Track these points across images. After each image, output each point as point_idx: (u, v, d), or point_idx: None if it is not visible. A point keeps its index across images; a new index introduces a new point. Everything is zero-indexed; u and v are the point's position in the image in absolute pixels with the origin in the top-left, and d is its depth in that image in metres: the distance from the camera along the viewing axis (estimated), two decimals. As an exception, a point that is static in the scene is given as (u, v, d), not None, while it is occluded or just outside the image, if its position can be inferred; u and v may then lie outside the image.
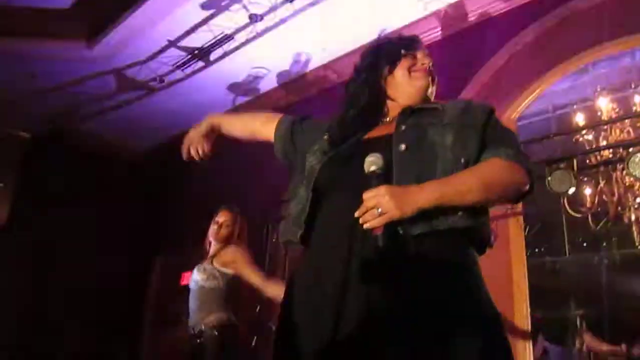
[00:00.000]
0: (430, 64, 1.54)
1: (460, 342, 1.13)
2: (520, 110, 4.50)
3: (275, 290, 2.80)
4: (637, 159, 3.46)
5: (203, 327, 2.94)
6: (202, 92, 5.33)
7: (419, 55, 1.55)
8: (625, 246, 4.95)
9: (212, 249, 3.26)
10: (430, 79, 1.54)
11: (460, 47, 4.15)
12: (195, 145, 1.78)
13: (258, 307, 3.95)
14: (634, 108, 4.10)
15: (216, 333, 2.90)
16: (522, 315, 4.63)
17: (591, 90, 4.46)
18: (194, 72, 5.04)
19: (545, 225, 5.24)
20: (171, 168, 6.51)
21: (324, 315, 1.22)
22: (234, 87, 5.23)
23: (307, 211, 1.40)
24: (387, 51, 1.56)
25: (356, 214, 1.23)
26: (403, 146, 1.33)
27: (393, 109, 1.52)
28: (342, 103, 1.58)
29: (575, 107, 4.46)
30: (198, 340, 2.92)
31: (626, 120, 4.07)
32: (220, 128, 1.83)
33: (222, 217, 3.27)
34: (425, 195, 1.23)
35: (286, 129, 1.67)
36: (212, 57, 4.80)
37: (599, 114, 4.18)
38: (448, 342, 1.13)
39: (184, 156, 1.75)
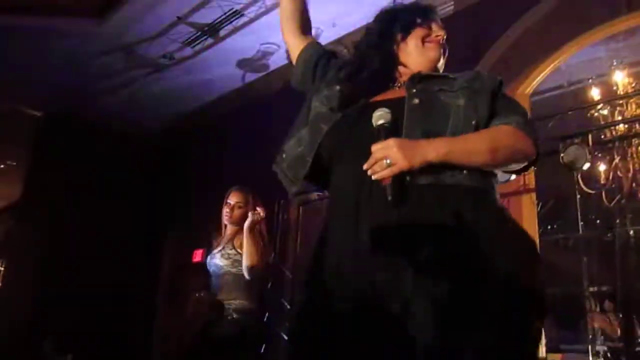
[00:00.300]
0: (444, 36, 1.53)
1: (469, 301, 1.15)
2: (534, 85, 4.43)
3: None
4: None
5: (234, 308, 2.95)
6: (212, 69, 5.31)
7: (434, 26, 1.53)
8: (639, 223, 4.88)
9: (229, 232, 3.23)
10: (442, 51, 1.53)
11: (473, 21, 4.08)
12: None
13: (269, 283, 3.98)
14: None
15: (236, 316, 2.91)
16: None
17: (607, 64, 4.38)
18: (204, 49, 5.01)
19: (559, 201, 5.19)
20: (181, 145, 6.54)
21: (343, 272, 1.25)
22: (243, 64, 5.20)
23: (307, 170, 1.42)
24: (402, 18, 1.55)
25: (365, 166, 1.24)
26: (417, 100, 1.35)
27: (403, 75, 1.51)
28: (352, 62, 1.57)
29: (590, 81, 4.39)
30: (232, 317, 2.93)
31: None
32: None
33: (233, 199, 3.22)
34: (433, 149, 1.24)
35: (311, 56, 1.65)
36: (222, 33, 4.77)
37: (614, 88, 4.11)
38: (461, 297, 1.15)
39: None
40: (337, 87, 1.49)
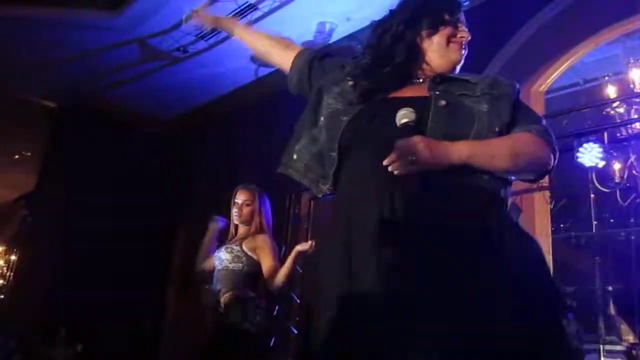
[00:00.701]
0: (468, 38, 1.51)
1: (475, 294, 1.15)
2: (549, 82, 4.40)
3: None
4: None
5: (223, 300, 2.97)
6: (225, 63, 5.31)
7: (460, 26, 1.50)
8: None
9: (241, 230, 3.23)
10: (463, 53, 1.51)
11: (487, 18, 4.05)
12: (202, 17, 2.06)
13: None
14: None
15: (235, 302, 2.93)
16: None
17: (623, 62, 4.34)
18: (217, 43, 5.01)
19: (572, 199, 5.16)
20: (194, 137, 6.56)
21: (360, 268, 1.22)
22: (256, 58, 5.19)
23: (336, 165, 1.39)
24: (431, 10, 1.50)
25: (386, 161, 1.24)
26: (444, 102, 1.34)
27: (424, 72, 1.49)
28: (369, 49, 1.53)
29: (606, 79, 4.34)
30: (220, 310, 2.96)
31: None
32: (234, 29, 1.94)
33: (240, 197, 3.22)
34: (457, 150, 1.25)
35: (305, 63, 1.64)
36: (236, 27, 4.76)
37: (631, 86, 4.07)
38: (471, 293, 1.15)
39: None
40: (350, 83, 1.46)
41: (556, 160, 1.39)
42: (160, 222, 6.03)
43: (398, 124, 1.27)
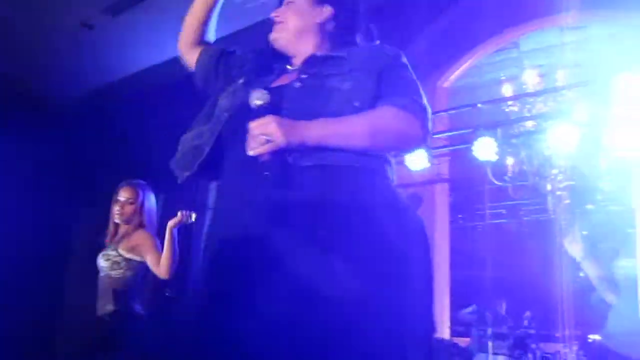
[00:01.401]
0: (277, 17, 1.48)
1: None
2: (452, 79, 4.65)
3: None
4: (556, 131, 3.68)
5: (102, 315, 2.87)
6: (136, 39, 5.15)
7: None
8: (540, 214, 5.23)
9: (121, 229, 3.07)
10: (280, 28, 1.48)
11: (398, 15, 4.20)
12: None
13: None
14: (557, 83, 4.30)
15: (110, 321, 2.84)
16: (443, 276, 4.89)
17: (519, 64, 4.64)
18: (126, 20, 4.85)
19: (469, 192, 5.47)
20: (101, 116, 6.31)
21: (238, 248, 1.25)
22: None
23: (203, 157, 1.41)
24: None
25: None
26: (298, 84, 1.35)
27: (297, 56, 1.48)
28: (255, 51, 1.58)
29: (503, 79, 4.63)
30: (99, 326, 2.86)
31: (549, 94, 4.27)
32: None
33: (123, 195, 3.02)
34: (310, 130, 1.25)
35: (210, 58, 1.62)
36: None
37: (524, 87, 4.37)
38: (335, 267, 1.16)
39: None
40: (241, 81, 1.49)
41: (427, 132, 1.31)
42: (60, 205, 5.78)
43: (252, 105, 1.29)
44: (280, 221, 1.22)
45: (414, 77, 1.39)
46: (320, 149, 1.25)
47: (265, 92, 1.29)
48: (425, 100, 1.33)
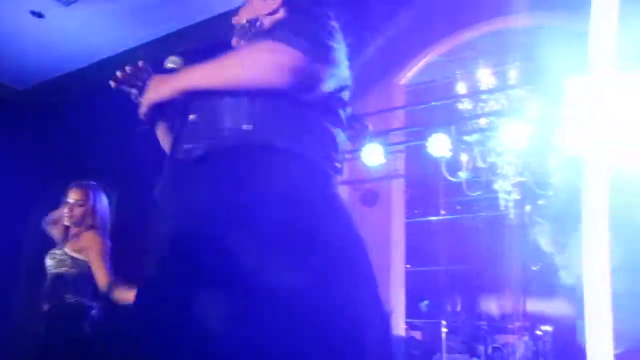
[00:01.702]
0: (236, 18, 1.43)
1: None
2: (408, 77, 4.71)
3: (118, 294, 2.74)
4: (507, 129, 3.77)
5: (49, 312, 2.82)
6: (89, 31, 5.03)
7: None
8: (494, 209, 5.35)
9: (71, 232, 3.01)
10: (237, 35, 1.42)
11: (355, 13, 4.22)
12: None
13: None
14: (509, 81, 4.41)
15: (57, 318, 2.79)
16: (398, 270, 4.95)
17: (474, 63, 4.73)
18: (78, 8, 4.72)
19: (425, 187, 5.56)
20: (51, 112, 6.14)
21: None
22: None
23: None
24: None
25: None
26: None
27: None
28: None
29: (458, 77, 4.71)
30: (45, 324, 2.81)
31: (502, 93, 4.37)
32: None
33: (72, 197, 2.95)
34: (179, 78, 1.24)
35: None
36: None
37: (478, 85, 4.46)
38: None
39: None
40: None
41: (307, 62, 1.16)
42: (8, 204, 5.60)
43: (165, 68, 1.32)
44: (198, 220, 1.16)
45: (320, 22, 1.27)
46: (211, 129, 1.18)
47: (179, 57, 1.30)
48: (326, 41, 1.21)
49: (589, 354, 1.62)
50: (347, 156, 4.31)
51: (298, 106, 1.20)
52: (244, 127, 1.17)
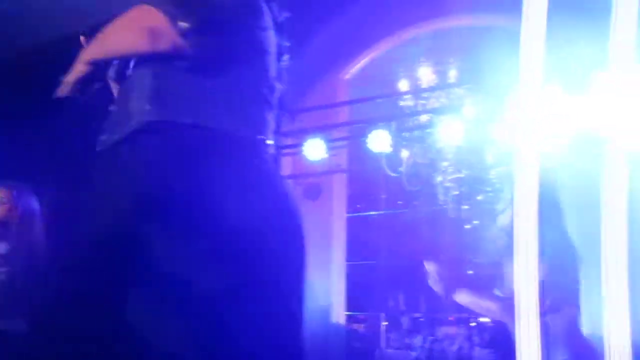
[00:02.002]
0: None
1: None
2: (353, 72, 4.74)
3: None
4: (446, 126, 3.86)
5: None
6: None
7: None
8: (434, 204, 5.45)
9: None
10: None
11: (301, 7, 4.22)
12: None
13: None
14: (449, 80, 4.52)
15: None
16: (339, 264, 5.00)
17: (417, 60, 4.80)
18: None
19: (366, 182, 5.61)
20: None
21: None
22: None
23: None
24: None
25: None
26: None
27: None
28: None
29: (400, 74, 4.78)
30: None
31: (442, 91, 4.47)
32: None
33: None
34: (88, 49, 1.24)
35: None
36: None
37: (419, 82, 4.54)
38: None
39: None
40: None
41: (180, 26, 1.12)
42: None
43: None
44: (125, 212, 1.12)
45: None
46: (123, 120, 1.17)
47: None
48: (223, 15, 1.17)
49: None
50: (289, 150, 4.32)
51: (203, 78, 1.16)
52: (146, 107, 1.15)
